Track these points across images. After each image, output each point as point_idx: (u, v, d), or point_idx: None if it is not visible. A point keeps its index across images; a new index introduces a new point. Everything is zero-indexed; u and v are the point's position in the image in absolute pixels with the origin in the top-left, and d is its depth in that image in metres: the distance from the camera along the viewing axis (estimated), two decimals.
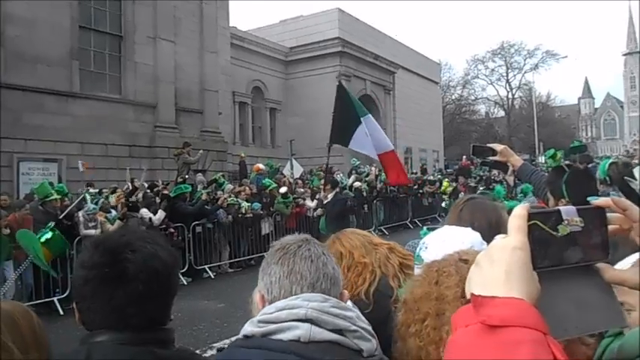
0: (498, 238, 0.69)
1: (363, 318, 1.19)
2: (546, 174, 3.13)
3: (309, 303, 1.12)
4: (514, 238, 0.66)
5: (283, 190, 12.80)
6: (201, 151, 13.99)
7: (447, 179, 19.11)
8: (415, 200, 17.64)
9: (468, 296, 0.65)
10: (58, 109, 13.06)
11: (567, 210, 0.69)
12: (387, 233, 14.83)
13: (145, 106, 15.30)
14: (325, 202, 9.37)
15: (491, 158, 3.04)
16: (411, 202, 17.34)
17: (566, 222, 0.69)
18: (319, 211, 9.37)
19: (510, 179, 7.24)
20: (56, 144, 12.86)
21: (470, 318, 0.60)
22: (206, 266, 10.57)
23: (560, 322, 0.67)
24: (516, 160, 3.01)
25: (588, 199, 0.77)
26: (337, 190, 9.77)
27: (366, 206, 15.78)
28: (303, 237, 1.30)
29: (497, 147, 3.00)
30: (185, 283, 9.93)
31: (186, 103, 16.51)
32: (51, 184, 9.45)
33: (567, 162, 12.20)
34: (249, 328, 1.14)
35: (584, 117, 79.52)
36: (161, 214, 9.70)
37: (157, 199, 10.32)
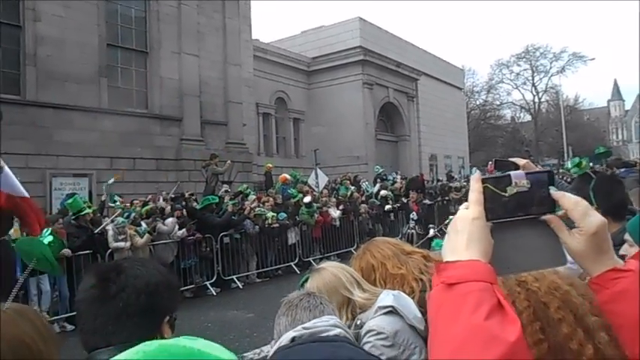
0: (462, 208, 0.85)
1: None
2: (567, 185, 3.11)
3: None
4: (473, 210, 0.83)
5: (307, 199, 12.83)
6: (229, 162, 14.15)
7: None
8: (441, 207, 17.45)
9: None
10: (87, 125, 13.38)
11: (517, 174, 0.85)
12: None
13: (171, 119, 15.57)
14: None
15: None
16: (437, 209, 17.16)
17: (514, 184, 0.84)
18: None
19: None
20: (86, 159, 13.17)
21: (437, 280, 0.78)
22: (234, 276, 10.65)
23: (504, 262, 0.82)
24: None
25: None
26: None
27: (392, 214, 15.71)
28: (306, 292, 1.67)
29: (520, 161, 3.03)
30: (214, 293, 10.04)
31: (211, 115, 16.74)
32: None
33: (595, 167, 11.88)
34: (292, 334, 1.45)
35: (614, 120, 77.73)
36: (183, 232, 9.83)
37: (184, 211, 10.46)
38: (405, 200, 13.16)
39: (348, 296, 1.94)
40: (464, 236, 0.80)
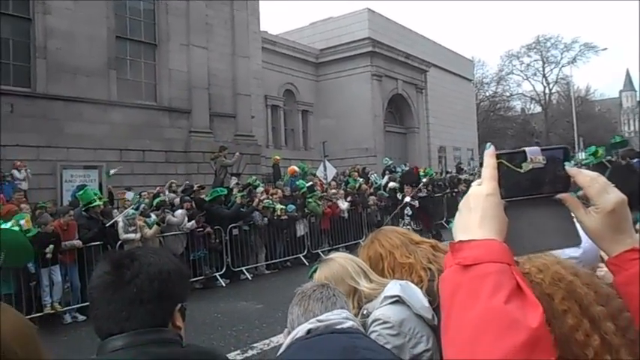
0: (475, 185, 0.81)
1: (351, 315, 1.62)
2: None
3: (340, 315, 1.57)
4: (486, 186, 0.79)
5: (308, 184, 12.91)
6: (237, 154, 14.19)
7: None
8: (450, 199, 17.41)
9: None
10: (97, 118, 13.45)
11: (532, 150, 0.81)
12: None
13: (180, 112, 15.61)
14: None
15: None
16: (446, 201, 17.12)
17: (529, 160, 0.80)
18: None
19: None
20: (96, 151, 13.25)
21: (452, 260, 0.74)
22: (243, 268, 10.71)
23: (519, 242, 0.79)
24: None
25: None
26: None
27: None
28: (320, 283, 1.68)
29: None
30: (223, 284, 10.11)
31: (220, 108, 16.76)
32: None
33: (609, 158, 11.75)
34: (308, 326, 1.49)
35: (626, 110, 76.79)
36: (193, 224, 9.87)
37: (194, 203, 10.51)
38: (399, 197, 12.24)
39: (355, 286, 1.95)
40: (477, 214, 0.77)
